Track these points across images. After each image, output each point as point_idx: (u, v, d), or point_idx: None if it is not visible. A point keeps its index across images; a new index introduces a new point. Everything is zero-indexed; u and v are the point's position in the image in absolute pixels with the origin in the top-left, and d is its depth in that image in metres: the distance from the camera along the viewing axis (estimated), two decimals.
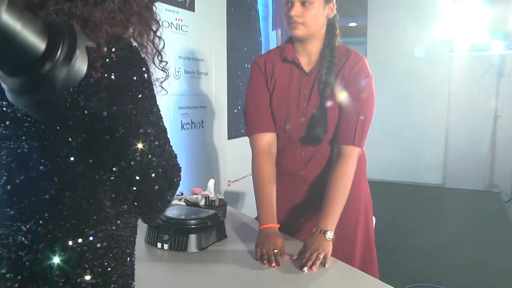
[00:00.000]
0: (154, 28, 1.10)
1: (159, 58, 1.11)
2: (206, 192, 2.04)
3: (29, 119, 1.00)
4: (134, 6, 1.02)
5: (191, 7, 2.83)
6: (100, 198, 0.97)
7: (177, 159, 1.04)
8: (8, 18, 0.68)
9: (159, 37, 1.11)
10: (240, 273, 1.47)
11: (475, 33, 5.54)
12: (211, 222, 1.69)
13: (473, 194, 5.36)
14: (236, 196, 3.37)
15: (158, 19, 1.11)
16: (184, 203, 1.98)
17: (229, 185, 3.34)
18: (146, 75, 0.96)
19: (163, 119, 1.00)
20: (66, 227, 0.95)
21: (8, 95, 0.81)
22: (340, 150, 1.69)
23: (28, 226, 0.96)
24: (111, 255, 0.98)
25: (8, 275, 0.95)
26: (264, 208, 1.69)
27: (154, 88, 1.07)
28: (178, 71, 2.75)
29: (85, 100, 0.92)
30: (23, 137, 0.99)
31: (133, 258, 1.06)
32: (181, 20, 2.74)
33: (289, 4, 1.64)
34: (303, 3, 1.62)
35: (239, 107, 3.47)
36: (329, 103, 1.69)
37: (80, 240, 0.95)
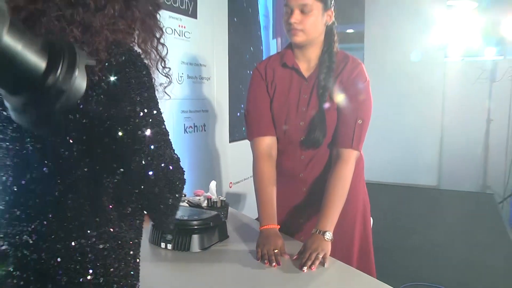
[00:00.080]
0: (157, 35, 1.09)
1: (163, 65, 1.11)
2: (208, 194, 2.03)
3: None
4: (136, 12, 1.01)
5: (193, 15, 2.83)
6: (103, 200, 0.97)
7: (180, 163, 1.02)
8: (9, 39, 0.69)
9: (163, 44, 1.11)
10: (241, 272, 1.47)
11: (468, 39, 5.55)
12: (213, 223, 1.69)
13: (467, 195, 5.36)
14: (237, 198, 3.36)
15: (162, 26, 1.10)
16: (187, 204, 1.97)
17: (230, 187, 3.34)
18: (146, 78, 0.95)
19: (164, 123, 0.99)
20: (69, 228, 0.95)
21: (11, 113, 0.81)
22: (339, 153, 1.69)
23: (33, 226, 0.96)
24: (114, 256, 0.98)
25: (14, 273, 0.95)
26: (264, 210, 1.69)
27: (157, 93, 1.07)
28: (181, 76, 2.75)
29: (84, 103, 0.91)
30: (28, 139, 0.99)
31: (137, 260, 1.05)
32: (184, 27, 2.75)
33: (289, 12, 1.64)
34: (302, 11, 1.62)
35: (241, 111, 3.47)
36: (328, 107, 1.69)
37: (82, 241, 0.95)
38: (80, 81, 0.76)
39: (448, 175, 5.65)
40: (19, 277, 0.95)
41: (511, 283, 3.08)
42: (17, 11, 0.96)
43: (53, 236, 0.95)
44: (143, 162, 0.93)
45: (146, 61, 1.05)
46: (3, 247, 0.98)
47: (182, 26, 2.72)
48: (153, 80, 1.07)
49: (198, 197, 2.03)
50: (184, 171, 1.04)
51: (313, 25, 1.65)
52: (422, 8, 5.32)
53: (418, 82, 5.46)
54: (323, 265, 1.46)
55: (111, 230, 0.97)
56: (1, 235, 0.99)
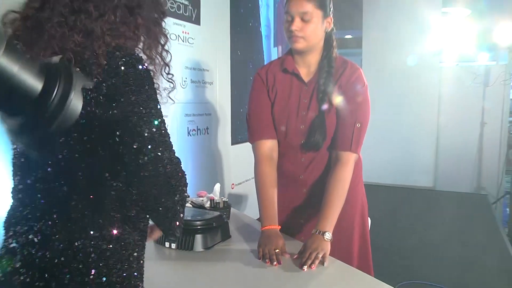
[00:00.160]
0: (162, 42, 1.10)
1: (166, 70, 1.11)
2: (211, 195, 2.03)
3: None
4: (139, 19, 1.02)
5: (197, 21, 2.83)
6: (106, 202, 0.97)
7: (181, 165, 1.01)
8: (5, 61, 0.68)
9: (167, 51, 1.11)
10: (243, 271, 1.46)
11: (462, 45, 5.56)
12: (216, 223, 1.69)
13: (462, 196, 5.35)
14: (239, 198, 3.36)
15: (167, 33, 1.10)
16: (190, 205, 1.97)
17: (232, 188, 3.33)
18: (145, 81, 0.95)
19: (165, 125, 0.98)
20: (73, 228, 0.95)
21: (8, 134, 0.81)
22: (338, 156, 1.68)
23: (38, 226, 0.96)
24: (117, 257, 0.97)
25: (21, 270, 0.95)
26: (266, 211, 1.68)
27: (161, 98, 1.07)
28: (184, 81, 2.75)
29: (84, 105, 0.90)
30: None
31: (141, 261, 1.04)
32: (188, 33, 2.75)
33: (290, 19, 1.64)
34: (303, 19, 1.62)
35: (243, 115, 3.47)
36: (327, 111, 1.69)
37: (85, 241, 0.95)
38: (75, 104, 0.75)
39: (444, 176, 5.64)
40: (25, 274, 0.95)
41: (503, 281, 3.08)
42: (25, 20, 0.97)
43: (57, 236, 0.95)
44: (140, 162, 0.93)
45: (151, 67, 1.05)
46: (12, 245, 0.98)
47: (185, 32, 2.73)
48: (158, 85, 1.07)
49: (201, 198, 2.02)
50: (185, 174, 1.02)
51: (313, 32, 1.65)
52: (418, 15, 5.33)
53: (415, 86, 5.46)
54: (323, 264, 1.46)
55: (115, 231, 0.97)
56: (11, 233, 1.00)
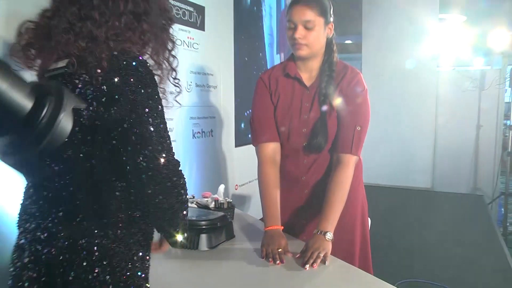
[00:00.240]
0: (169, 47, 1.10)
1: (173, 75, 1.11)
2: (215, 196, 2.03)
3: None
4: (145, 25, 1.02)
5: (201, 27, 2.83)
6: (110, 202, 0.96)
7: (179, 167, 0.99)
8: None
9: (174, 56, 1.11)
10: (247, 269, 1.46)
11: (458, 50, 5.55)
12: (221, 223, 1.69)
13: (459, 196, 5.34)
14: (242, 199, 3.35)
15: (174, 39, 1.10)
16: (195, 206, 1.96)
17: (236, 189, 3.32)
18: (147, 82, 0.95)
19: (165, 127, 0.97)
20: (77, 227, 0.95)
21: None
22: (339, 158, 1.68)
23: (44, 223, 0.97)
24: (121, 256, 0.97)
25: (29, 265, 0.97)
26: (269, 212, 1.68)
27: (167, 102, 1.06)
28: (189, 85, 2.74)
29: (87, 106, 0.93)
30: None
31: (146, 262, 1.03)
32: (192, 39, 2.74)
33: (293, 27, 1.63)
34: (306, 27, 1.62)
35: (246, 118, 3.47)
36: (328, 114, 1.69)
37: (90, 240, 0.95)
38: (64, 124, 0.73)
39: (441, 177, 5.63)
40: (33, 269, 0.96)
41: (498, 278, 3.07)
42: (38, 28, 0.99)
43: (62, 234, 0.95)
44: (137, 162, 0.92)
45: (158, 72, 1.06)
46: (21, 241, 1.00)
47: (190, 38, 2.72)
48: (164, 90, 1.07)
49: (206, 199, 2.02)
50: (183, 177, 1.00)
51: (316, 39, 1.65)
52: (415, 21, 5.32)
53: (413, 89, 5.46)
54: (324, 263, 1.45)
55: (119, 231, 0.96)
56: (21, 229, 1.01)
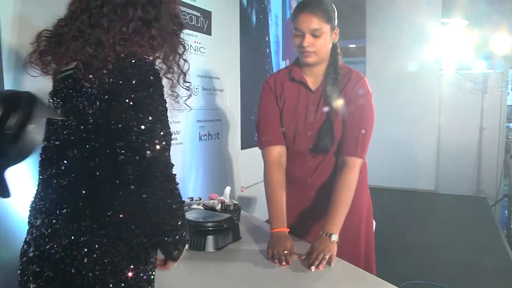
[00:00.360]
0: (180, 52, 1.10)
1: (184, 79, 1.12)
2: (222, 198, 2.03)
3: (54, 120, 1.03)
4: (153, 30, 1.03)
5: (208, 32, 2.84)
6: (113, 202, 0.96)
7: (171, 170, 0.96)
8: None
9: (185, 60, 1.11)
10: (253, 270, 1.46)
11: (461, 54, 5.54)
12: (227, 225, 1.68)
13: (462, 199, 5.31)
14: (248, 201, 3.35)
15: (185, 44, 1.11)
16: (202, 207, 1.96)
17: (242, 191, 3.32)
18: (150, 82, 0.95)
19: (164, 127, 0.96)
20: (80, 224, 0.96)
21: None
22: (344, 161, 1.67)
23: (49, 220, 0.99)
24: (122, 256, 0.96)
25: (33, 260, 0.98)
26: (275, 214, 1.67)
27: (178, 105, 1.07)
28: (196, 88, 2.75)
29: (89, 105, 0.94)
30: (52, 137, 1.03)
31: (149, 263, 1.02)
32: (199, 43, 2.75)
33: (300, 35, 1.62)
34: (313, 34, 1.61)
35: (252, 121, 3.47)
36: (334, 118, 1.68)
37: (91, 238, 0.95)
38: (33, 136, 0.71)
39: (444, 180, 5.61)
40: (37, 264, 0.97)
41: (502, 281, 3.05)
42: (52, 36, 1.01)
43: (64, 230, 0.96)
44: (125, 156, 0.91)
45: (169, 75, 1.06)
46: (28, 237, 1.02)
47: (197, 42, 2.73)
48: (177, 94, 1.07)
49: (212, 201, 2.02)
50: (176, 182, 0.96)
51: (323, 46, 1.64)
52: (418, 25, 5.32)
53: (416, 93, 5.45)
54: (330, 264, 1.45)
55: (121, 232, 0.96)
56: (30, 225, 1.03)
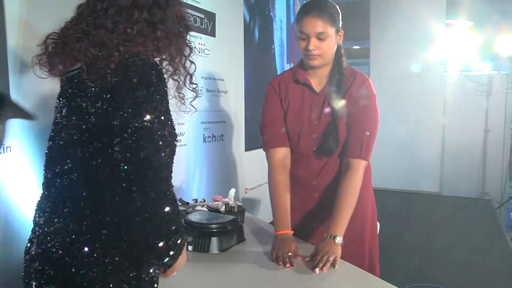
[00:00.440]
0: (186, 54, 1.11)
1: (190, 80, 1.12)
2: (226, 199, 2.03)
3: (59, 121, 1.03)
4: (158, 32, 1.04)
5: (212, 33, 2.85)
6: (114, 202, 0.96)
7: (162, 166, 0.93)
8: None
9: (191, 62, 1.12)
10: (257, 272, 1.46)
11: (465, 55, 5.52)
12: (231, 226, 1.69)
13: (467, 201, 5.29)
14: (252, 203, 3.35)
15: (191, 45, 1.12)
16: (206, 209, 1.97)
17: (246, 193, 3.33)
18: (151, 80, 0.95)
19: (163, 126, 0.95)
20: (81, 224, 0.96)
21: None
22: (348, 163, 1.67)
23: (52, 219, 0.99)
24: (124, 256, 0.97)
25: (36, 258, 0.99)
26: (279, 216, 1.68)
27: (185, 106, 1.07)
28: (201, 90, 2.76)
29: (92, 104, 0.95)
30: (57, 136, 1.04)
31: (150, 266, 1.01)
32: (204, 45, 2.76)
33: (305, 38, 1.62)
34: (318, 38, 1.61)
35: (256, 122, 3.47)
36: (338, 120, 1.68)
37: (92, 238, 0.95)
38: None
39: (449, 182, 5.59)
40: (39, 262, 0.98)
41: (508, 284, 3.04)
42: (59, 38, 1.03)
43: (66, 230, 0.97)
44: (120, 154, 0.91)
45: (175, 77, 1.07)
46: (32, 235, 1.04)
47: (202, 44, 2.74)
48: (183, 95, 1.07)
49: (216, 202, 2.02)
50: (170, 185, 0.95)
51: (329, 48, 1.64)
52: (423, 26, 5.31)
53: (420, 94, 5.44)
54: (334, 266, 1.45)
55: (122, 232, 0.96)
56: (34, 224, 1.04)
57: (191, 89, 1.14)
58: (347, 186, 1.63)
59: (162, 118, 0.95)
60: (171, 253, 0.98)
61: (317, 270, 1.41)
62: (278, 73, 3.90)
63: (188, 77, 1.13)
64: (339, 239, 1.52)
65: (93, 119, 0.96)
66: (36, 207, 1.06)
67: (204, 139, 2.79)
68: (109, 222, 0.95)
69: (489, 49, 5.32)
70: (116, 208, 0.94)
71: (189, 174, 2.58)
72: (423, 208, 4.92)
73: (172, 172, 1.00)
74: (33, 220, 1.05)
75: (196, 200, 2.09)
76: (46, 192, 1.04)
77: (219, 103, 2.99)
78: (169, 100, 1.00)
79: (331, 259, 1.44)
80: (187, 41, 1.13)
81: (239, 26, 3.27)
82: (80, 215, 0.97)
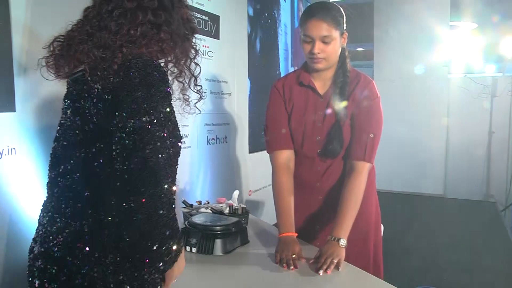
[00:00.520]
0: (191, 56, 1.12)
1: (195, 82, 1.13)
2: (230, 201, 2.03)
3: (64, 122, 1.04)
4: (162, 34, 1.05)
5: (216, 36, 2.85)
6: (113, 202, 0.96)
7: (158, 167, 0.92)
8: None
9: (196, 64, 1.12)
10: (261, 274, 1.46)
11: (470, 57, 5.51)
12: (235, 228, 1.69)
13: (471, 203, 5.27)
14: (256, 205, 3.35)
15: (197, 48, 1.12)
16: (210, 211, 1.97)
17: (249, 195, 3.32)
18: (151, 81, 0.95)
19: (162, 126, 0.94)
20: (82, 224, 0.97)
21: None
22: (352, 165, 1.67)
23: (54, 218, 1.00)
24: (124, 256, 0.97)
25: (39, 257, 1.00)
26: (283, 218, 1.68)
27: (189, 107, 1.07)
28: (204, 92, 2.76)
29: (94, 105, 0.96)
30: (61, 137, 1.05)
31: (152, 268, 1.00)
32: (207, 47, 2.76)
33: (309, 41, 1.62)
34: (323, 41, 1.61)
35: (260, 124, 3.47)
36: (342, 122, 1.68)
37: (93, 237, 0.96)
38: None
39: (453, 184, 5.57)
40: (42, 261, 0.99)
41: None
42: (65, 40, 1.04)
43: (68, 229, 0.98)
44: (117, 153, 0.91)
45: (180, 79, 1.08)
46: (36, 234, 1.04)
47: (205, 46, 2.74)
48: (188, 97, 1.08)
49: (220, 204, 2.03)
50: (165, 189, 0.93)
51: (333, 51, 1.64)
52: (427, 28, 5.30)
53: (424, 96, 5.42)
54: (338, 269, 1.45)
55: (124, 233, 0.96)
56: (38, 223, 1.05)
57: (196, 91, 1.15)
58: (351, 188, 1.63)
59: (162, 119, 0.95)
60: (166, 258, 0.96)
61: (321, 272, 1.42)
62: (282, 74, 3.91)
63: (193, 79, 1.13)
64: (343, 242, 1.52)
65: (95, 120, 0.97)
66: (41, 207, 1.07)
67: (208, 141, 2.79)
68: (110, 222, 0.95)
69: (493, 51, 5.32)
70: (115, 208, 0.93)
71: (193, 176, 2.59)
72: (427, 210, 4.90)
73: (175, 173, 1.00)
74: (39, 219, 1.06)
75: (200, 202, 2.10)
76: (50, 192, 1.05)
77: (223, 105, 2.99)
78: (174, 102, 1.01)
79: (335, 261, 1.44)
80: (193, 43, 1.13)
81: (243, 29, 3.28)
82: (82, 215, 0.97)
